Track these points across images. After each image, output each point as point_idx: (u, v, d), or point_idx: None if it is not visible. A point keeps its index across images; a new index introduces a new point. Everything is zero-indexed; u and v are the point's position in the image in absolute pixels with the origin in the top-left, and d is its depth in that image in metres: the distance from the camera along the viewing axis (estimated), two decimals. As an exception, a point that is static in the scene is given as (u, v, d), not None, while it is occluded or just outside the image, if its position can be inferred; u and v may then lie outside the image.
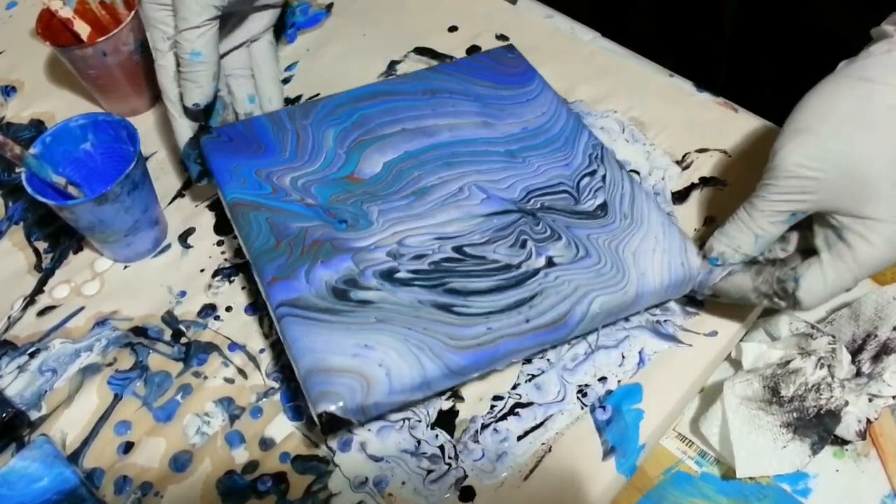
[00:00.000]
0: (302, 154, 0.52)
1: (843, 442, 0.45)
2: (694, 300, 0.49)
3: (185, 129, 0.54)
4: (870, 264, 0.42)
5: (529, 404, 0.46)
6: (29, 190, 0.49)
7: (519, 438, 0.45)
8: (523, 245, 0.47)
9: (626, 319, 0.49)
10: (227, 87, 0.57)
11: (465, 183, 0.51)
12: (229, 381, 0.49)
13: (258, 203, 0.49)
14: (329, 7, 0.72)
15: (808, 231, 0.45)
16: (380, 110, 0.55)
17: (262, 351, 0.50)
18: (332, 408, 0.41)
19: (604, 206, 0.49)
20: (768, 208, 0.43)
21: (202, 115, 0.54)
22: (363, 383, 0.41)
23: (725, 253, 0.45)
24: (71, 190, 0.52)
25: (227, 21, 0.55)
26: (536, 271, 0.46)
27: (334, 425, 0.41)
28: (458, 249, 0.47)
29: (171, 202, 0.59)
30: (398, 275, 0.46)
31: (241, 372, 0.49)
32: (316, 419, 0.41)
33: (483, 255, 0.47)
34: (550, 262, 0.46)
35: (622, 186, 0.50)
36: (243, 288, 0.53)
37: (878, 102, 0.40)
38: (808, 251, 0.45)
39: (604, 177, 0.51)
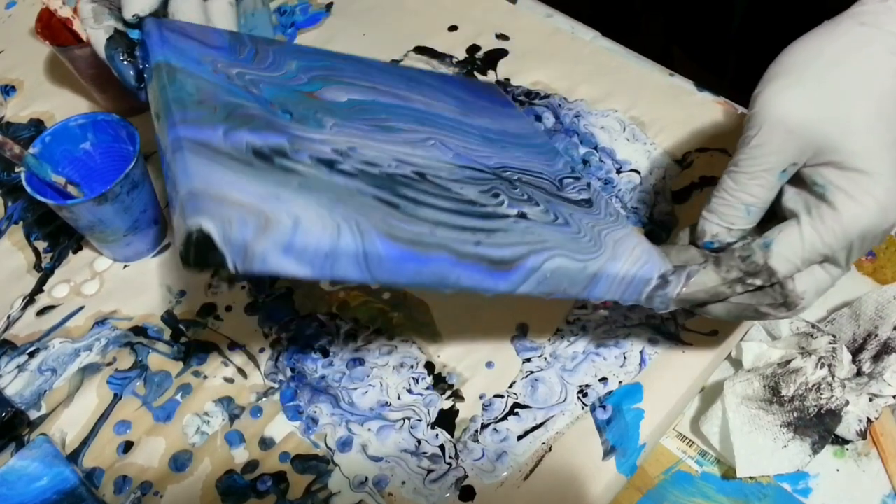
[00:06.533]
0: (260, 62, 0.44)
1: (844, 441, 0.45)
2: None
3: (100, 36, 0.45)
4: (857, 228, 0.35)
5: (530, 406, 0.46)
6: (28, 189, 0.49)
7: (519, 438, 0.45)
8: (496, 195, 0.41)
9: (626, 318, 0.49)
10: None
11: (436, 139, 0.44)
12: (229, 380, 0.49)
13: (190, 72, 0.39)
14: (329, 7, 0.72)
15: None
16: (352, 67, 0.49)
17: (261, 350, 0.50)
18: (210, 226, 0.29)
19: (589, 202, 0.45)
20: (755, 167, 0.37)
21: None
22: (261, 221, 0.31)
23: (719, 234, 0.39)
24: (70, 189, 0.52)
25: None
26: (505, 216, 0.39)
27: (203, 255, 0.30)
28: (419, 174, 0.40)
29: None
30: (341, 166, 0.37)
31: (241, 371, 0.49)
32: (182, 241, 0.30)
33: (448, 188, 0.40)
34: (522, 216, 0.40)
35: (607, 200, 0.46)
36: (243, 287, 0.53)
37: (879, 46, 0.35)
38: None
39: (588, 184, 0.47)
